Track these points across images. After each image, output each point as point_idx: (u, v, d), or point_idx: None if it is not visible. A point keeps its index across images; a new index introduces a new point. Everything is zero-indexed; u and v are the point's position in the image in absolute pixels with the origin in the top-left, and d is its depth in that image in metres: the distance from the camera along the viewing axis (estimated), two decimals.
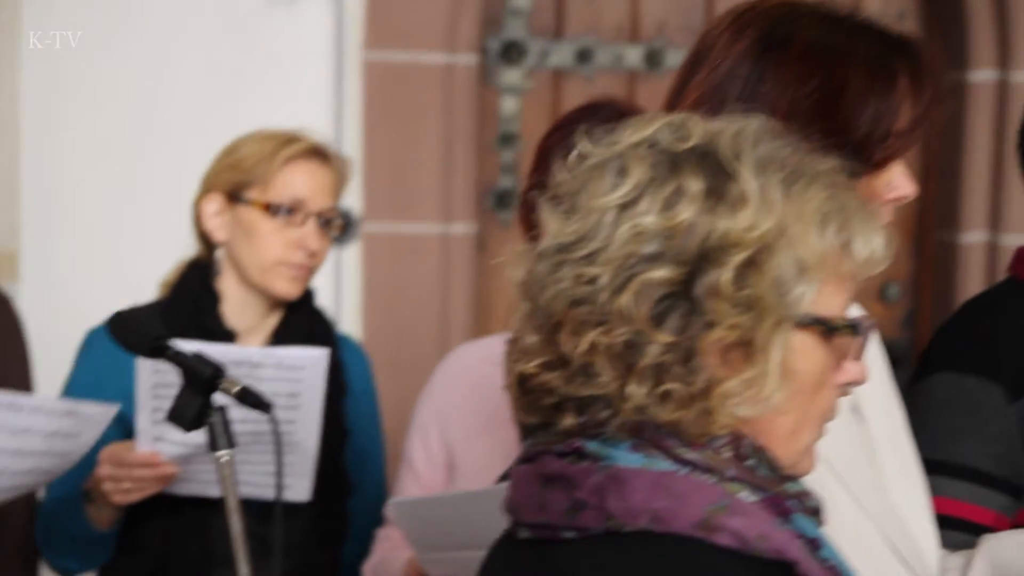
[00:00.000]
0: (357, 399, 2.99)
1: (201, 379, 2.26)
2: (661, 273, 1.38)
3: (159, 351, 2.31)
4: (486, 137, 4.15)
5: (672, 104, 1.89)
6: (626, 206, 1.41)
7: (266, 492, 2.67)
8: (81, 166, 3.83)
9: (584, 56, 4.19)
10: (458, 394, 2.79)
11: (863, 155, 1.80)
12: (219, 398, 2.28)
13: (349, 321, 3.89)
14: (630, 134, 1.46)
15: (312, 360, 2.68)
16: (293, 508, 2.75)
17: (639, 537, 1.38)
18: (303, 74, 3.90)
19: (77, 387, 2.83)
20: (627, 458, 1.40)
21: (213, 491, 2.70)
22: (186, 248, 2.96)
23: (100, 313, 2.86)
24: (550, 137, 2.66)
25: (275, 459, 2.32)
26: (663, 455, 1.40)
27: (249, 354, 2.67)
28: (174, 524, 2.80)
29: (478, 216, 4.11)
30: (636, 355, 1.38)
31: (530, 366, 1.43)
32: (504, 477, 2.40)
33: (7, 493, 2.56)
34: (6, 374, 2.76)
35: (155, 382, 2.62)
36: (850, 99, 1.81)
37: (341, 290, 3.94)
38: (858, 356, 1.47)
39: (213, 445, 2.25)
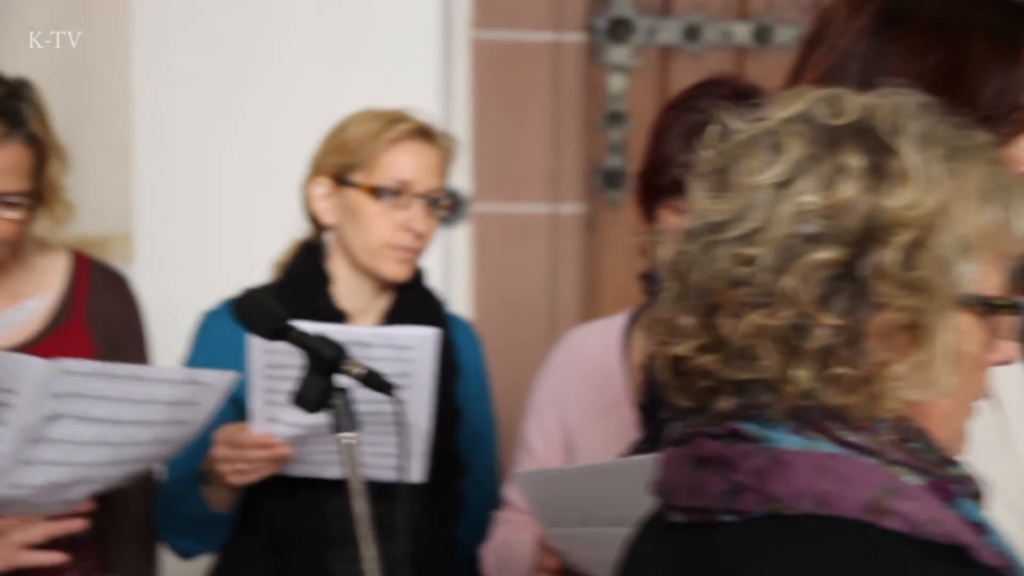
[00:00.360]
0: (469, 379, 2.98)
1: (324, 361, 2.25)
2: (825, 254, 1.34)
3: (281, 332, 2.31)
4: (593, 116, 4.12)
5: (791, 84, 1.85)
6: (783, 184, 1.37)
7: (379, 473, 2.67)
8: (191, 149, 3.85)
9: (692, 33, 4.14)
10: (574, 377, 2.78)
11: (988, 130, 1.76)
12: (341, 380, 2.27)
13: (459, 302, 3.88)
14: (780, 109, 1.42)
15: (422, 339, 2.67)
16: (408, 489, 2.74)
17: (805, 520, 1.34)
18: (411, 53, 3.89)
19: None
20: (788, 440, 1.37)
21: (328, 472, 2.70)
22: (297, 229, 2.97)
23: (213, 295, 2.88)
24: (666, 115, 2.64)
25: (397, 440, 2.31)
26: (825, 438, 1.37)
27: (360, 334, 2.66)
28: (291, 505, 2.81)
29: (587, 196, 4.09)
30: (802, 338, 1.35)
31: (684, 348, 1.40)
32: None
33: (134, 465, 2.59)
34: (126, 351, 2.81)
35: (267, 363, 2.63)
36: (972, 73, 1.77)
37: (451, 271, 3.94)
38: (1012, 335, 1.45)
39: (337, 427, 2.24)
